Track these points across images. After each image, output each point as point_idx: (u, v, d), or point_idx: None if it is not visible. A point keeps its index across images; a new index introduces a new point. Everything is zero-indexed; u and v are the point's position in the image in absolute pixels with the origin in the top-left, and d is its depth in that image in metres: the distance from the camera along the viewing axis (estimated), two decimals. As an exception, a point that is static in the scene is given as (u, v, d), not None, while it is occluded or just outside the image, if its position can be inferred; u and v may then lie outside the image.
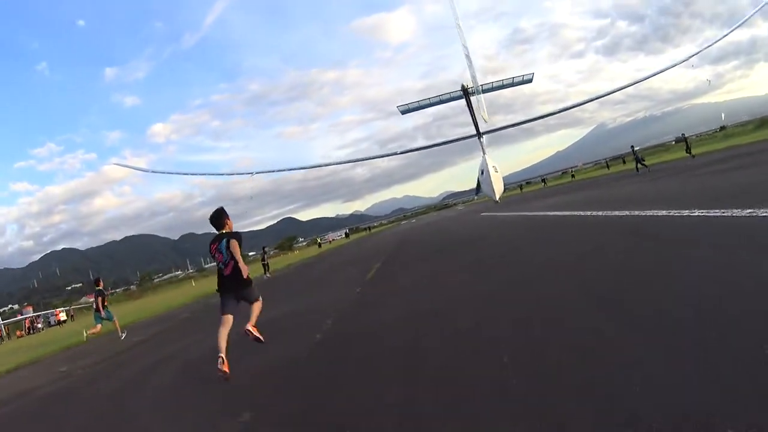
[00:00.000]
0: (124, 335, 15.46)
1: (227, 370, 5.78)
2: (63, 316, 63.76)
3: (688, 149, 39.31)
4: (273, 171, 45.07)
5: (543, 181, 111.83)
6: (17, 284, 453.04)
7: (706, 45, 40.20)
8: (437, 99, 35.20)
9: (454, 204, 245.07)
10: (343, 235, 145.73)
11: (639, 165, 35.29)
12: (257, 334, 6.52)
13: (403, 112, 36.36)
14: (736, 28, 36.96)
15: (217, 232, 6.81)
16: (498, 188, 30.96)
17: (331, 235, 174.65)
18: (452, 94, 33.93)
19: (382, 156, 47.87)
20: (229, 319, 6.53)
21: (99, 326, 16.24)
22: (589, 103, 40.12)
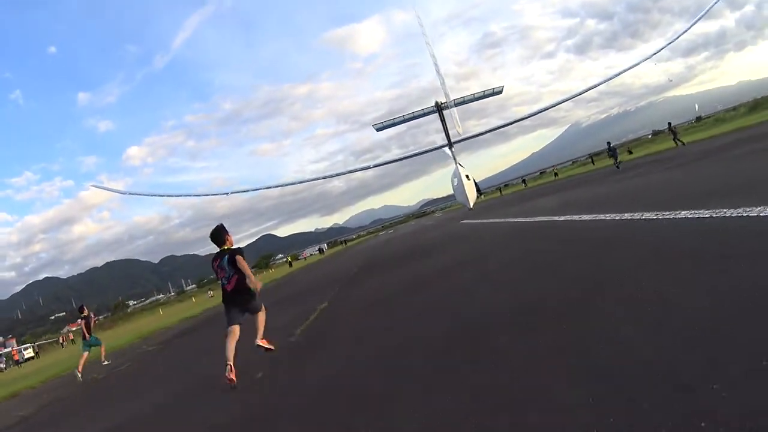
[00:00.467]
0: (107, 362, 15.93)
1: (234, 378, 5.97)
2: (30, 353, 60.86)
3: (675, 138, 38.55)
4: (248, 190, 44.46)
5: (523, 181, 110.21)
6: (4, 316, 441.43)
7: (673, 38, 40.32)
8: (411, 115, 35.01)
9: (432, 211, 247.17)
10: (318, 251, 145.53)
11: (616, 161, 35.70)
12: (268, 345, 7.21)
13: (378, 130, 36.38)
14: (699, 18, 37.71)
15: (218, 249, 7.10)
16: (471, 196, 31.98)
17: (308, 251, 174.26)
18: (425, 110, 33.53)
19: (355, 170, 47.14)
20: (235, 329, 6.72)
21: (86, 354, 15.36)
22: (563, 103, 40.06)
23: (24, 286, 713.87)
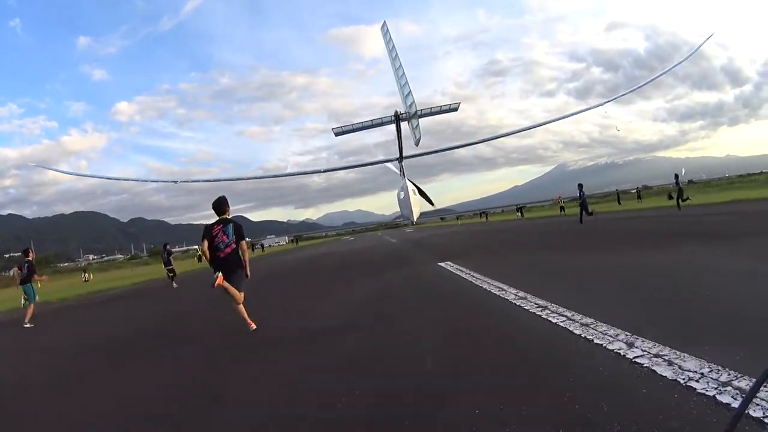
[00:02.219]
0: (29, 325, 13.87)
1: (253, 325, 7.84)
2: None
3: (680, 196, 31.02)
4: (199, 180, 44.68)
5: (519, 210, 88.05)
6: None
7: (626, 92, 41.21)
8: (370, 123, 35.46)
9: (405, 225, 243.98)
10: (286, 241, 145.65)
11: (679, 201, 30.57)
12: (253, 326, 7.90)
13: (337, 134, 35.83)
14: (659, 76, 38.61)
15: (217, 217, 8.04)
16: (416, 210, 32.17)
17: (269, 241, 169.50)
18: (384, 119, 34.38)
19: (307, 173, 48.04)
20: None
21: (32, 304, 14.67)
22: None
23: None
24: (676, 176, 32.14)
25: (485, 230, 42.56)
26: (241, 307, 7.96)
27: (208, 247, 7.88)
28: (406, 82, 35.12)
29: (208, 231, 7.92)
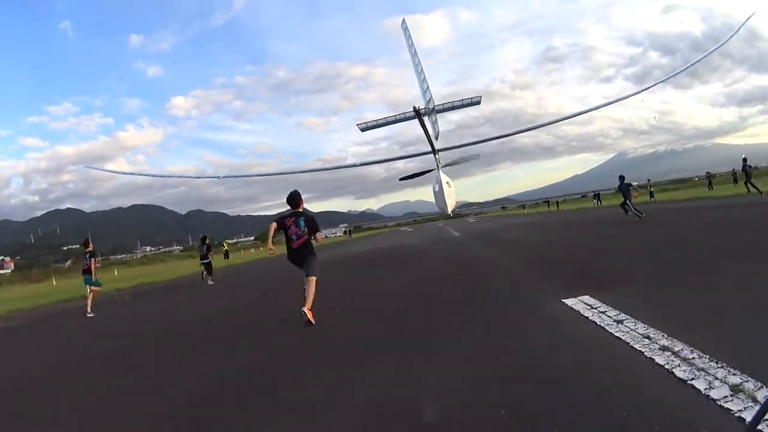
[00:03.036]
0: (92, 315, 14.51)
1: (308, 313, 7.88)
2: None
3: (748, 180, 29.82)
4: (243, 176, 45.81)
5: (596, 197, 74.49)
6: (14, 237, 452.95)
7: (667, 77, 40.33)
8: (393, 118, 35.60)
9: (466, 215, 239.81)
10: (344, 233, 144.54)
11: (749, 186, 29.23)
12: (310, 318, 7.77)
13: (363, 130, 36.86)
14: (700, 60, 37.63)
15: (290, 209, 8.58)
16: (450, 203, 33.12)
17: (325, 231, 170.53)
18: (406, 115, 34.21)
19: (344, 167, 48.48)
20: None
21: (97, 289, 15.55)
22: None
23: (45, 212, 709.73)
24: (745, 159, 30.48)
25: (571, 221, 33.30)
26: (311, 291, 8.17)
27: (285, 239, 8.48)
28: (425, 78, 35.28)
29: (281, 220, 8.54)
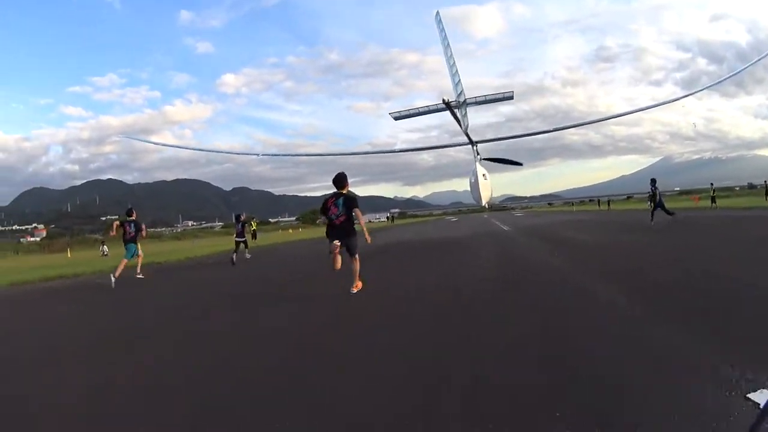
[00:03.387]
0: (141, 276, 15.40)
1: (337, 262, 9.01)
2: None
3: None
4: (280, 155, 47.75)
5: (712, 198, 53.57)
6: (51, 205, 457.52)
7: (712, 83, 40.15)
8: (426, 109, 36.48)
9: (512, 208, 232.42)
10: (387, 219, 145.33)
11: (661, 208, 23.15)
12: (356, 289, 8.98)
13: (396, 119, 37.66)
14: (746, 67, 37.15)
15: (335, 190, 9.06)
16: (485, 194, 33.16)
17: (368, 216, 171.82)
18: (438, 106, 35.05)
19: (385, 152, 49.66)
20: (338, 257, 8.99)
21: (124, 261, 15.13)
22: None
23: (84, 181, 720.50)
24: None
25: (635, 223, 26.47)
26: (356, 269, 9.12)
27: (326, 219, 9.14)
28: (456, 71, 35.96)
29: (324, 204, 9.14)
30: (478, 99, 36.39)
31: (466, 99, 35.05)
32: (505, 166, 35.56)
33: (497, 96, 36.48)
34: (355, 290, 8.92)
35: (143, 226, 16.04)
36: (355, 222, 9.01)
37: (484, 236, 26.25)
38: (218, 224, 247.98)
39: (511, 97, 36.67)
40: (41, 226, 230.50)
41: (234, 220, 24.22)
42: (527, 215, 73.77)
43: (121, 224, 15.79)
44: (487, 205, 36.32)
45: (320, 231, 9.90)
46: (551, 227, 30.45)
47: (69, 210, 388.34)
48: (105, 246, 42.85)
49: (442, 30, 37.96)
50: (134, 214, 15.85)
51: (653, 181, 23.31)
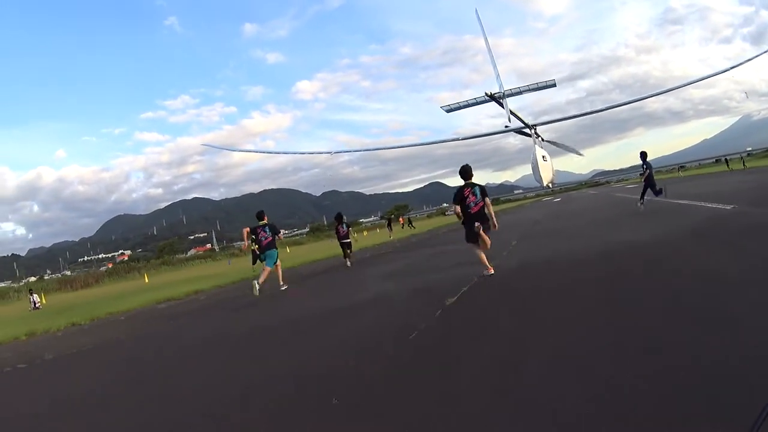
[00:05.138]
0: (285, 287, 14.15)
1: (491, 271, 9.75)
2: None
3: None
4: (356, 150, 49.64)
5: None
6: (137, 230, 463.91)
7: None
8: (474, 101, 37.74)
9: (606, 182, 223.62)
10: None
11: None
12: (488, 272, 9.73)
13: (447, 111, 39.07)
14: None
15: (463, 182, 9.87)
16: (546, 176, 34.05)
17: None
18: (484, 98, 36.24)
19: (433, 143, 51.09)
20: (474, 246, 9.93)
21: (267, 269, 14.00)
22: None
23: (169, 203, 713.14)
24: None
25: None
26: (485, 254, 9.89)
27: (460, 209, 9.81)
28: (495, 65, 37.22)
29: (459, 193, 9.79)
30: (522, 89, 36.98)
31: (504, 92, 36.26)
32: (589, 142, 35.34)
33: (540, 84, 36.91)
34: (490, 270, 9.75)
35: (279, 232, 14.83)
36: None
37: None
38: (305, 230, 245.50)
39: (554, 85, 37.35)
40: (128, 252, 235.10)
41: (335, 221, 21.25)
42: (624, 189, 60.63)
43: (253, 230, 14.32)
44: (549, 186, 37.60)
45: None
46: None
47: (155, 233, 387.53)
48: (35, 295, 30.59)
49: (482, 27, 39.23)
50: (266, 217, 14.50)
51: (644, 155, 19.61)
